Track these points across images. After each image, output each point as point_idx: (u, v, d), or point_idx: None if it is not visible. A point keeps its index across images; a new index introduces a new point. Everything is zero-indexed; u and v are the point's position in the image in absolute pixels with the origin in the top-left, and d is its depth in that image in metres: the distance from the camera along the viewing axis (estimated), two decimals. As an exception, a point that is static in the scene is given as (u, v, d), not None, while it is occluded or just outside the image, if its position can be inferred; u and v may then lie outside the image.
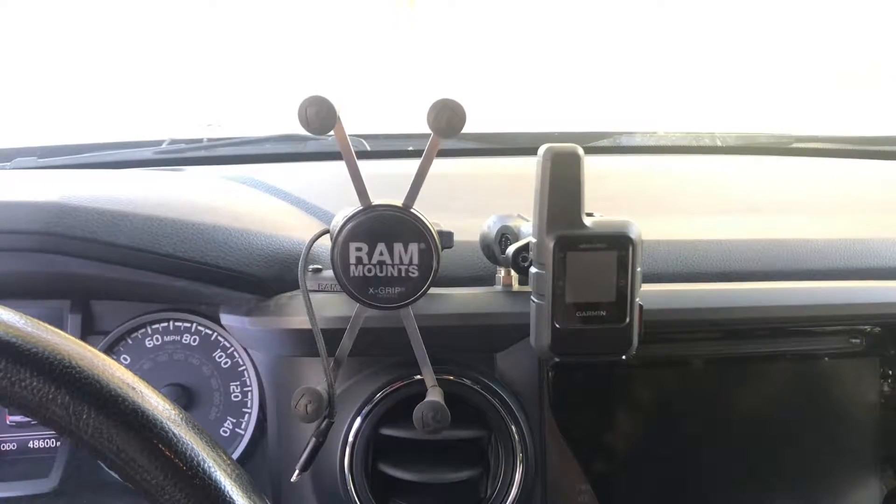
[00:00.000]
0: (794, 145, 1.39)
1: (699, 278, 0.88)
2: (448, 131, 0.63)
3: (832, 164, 1.35)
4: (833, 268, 0.90)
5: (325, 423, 0.70)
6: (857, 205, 1.11)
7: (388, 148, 1.27)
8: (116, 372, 0.48)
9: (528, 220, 0.79)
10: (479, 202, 1.00)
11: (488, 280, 0.85)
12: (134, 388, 0.48)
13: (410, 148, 1.26)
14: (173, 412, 0.49)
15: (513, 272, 0.82)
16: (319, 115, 0.62)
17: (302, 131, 1.31)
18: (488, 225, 0.81)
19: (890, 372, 0.84)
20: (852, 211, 1.08)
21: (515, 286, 0.82)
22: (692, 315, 0.82)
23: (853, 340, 0.84)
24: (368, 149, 1.27)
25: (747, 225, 0.98)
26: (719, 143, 1.37)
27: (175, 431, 0.48)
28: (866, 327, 0.84)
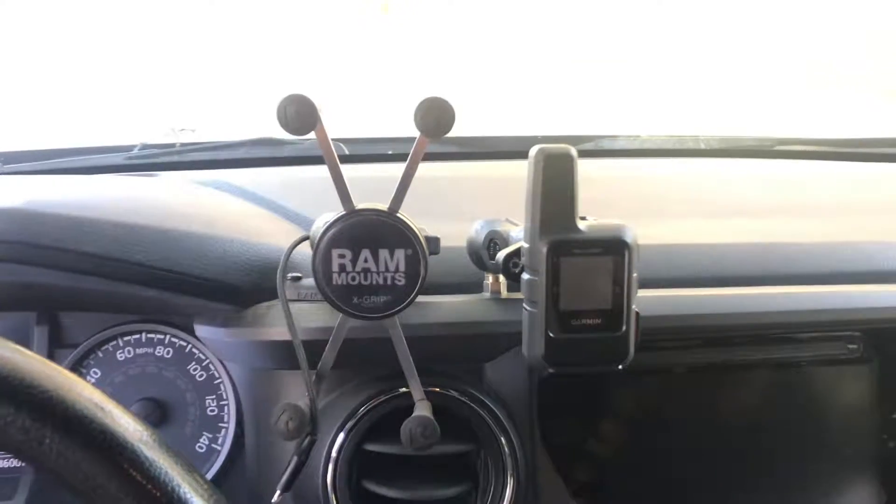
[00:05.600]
0: (777, 148, 1.38)
1: (691, 283, 0.85)
2: (437, 132, 0.60)
3: (815, 167, 1.34)
4: (827, 272, 0.88)
5: (307, 440, 0.67)
6: (841, 207, 1.10)
7: (366, 152, 1.24)
8: (83, 391, 0.45)
9: (517, 225, 0.77)
10: (462, 207, 0.98)
11: (475, 287, 0.82)
12: (102, 408, 0.45)
13: (390, 152, 1.23)
14: (145, 433, 0.46)
15: (501, 278, 0.79)
16: (300, 114, 0.59)
17: (278, 135, 1.28)
18: (476, 230, 0.79)
19: (889, 377, 0.82)
20: (838, 214, 1.07)
21: (504, 293, 0.79)
22: (687, 322, 0.79)
23: (851, 346, 0.82)
24: (347, 152, 1.23)
25: (735, 228, 0.96)
26: (703, 146, 1.35)
27: (147, 455, 0.45)
28: (864, 332, 0.82)
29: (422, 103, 0.60)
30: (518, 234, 0.73)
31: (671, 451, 0.81)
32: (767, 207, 1.08)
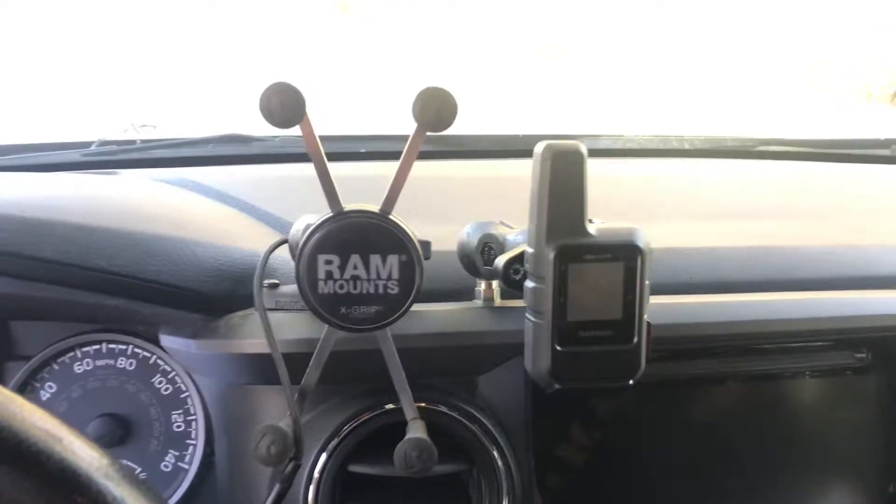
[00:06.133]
0: (760, 148, 1.36)
1: (689, 290, 0.81)
2: (438, 124, 0.55)
3: (798, 168, 1.31)
4: (829, 277, 0.85)
5: (290, 466, 0.61)
6: (827, 209, 1.08)
7: (340, 150, 1.18)
8: (37, 420, 0.38)
9: (513, 228, 0.72)
10: (449, 208, 0.92)
11: (465, 294, 0.77)
12: (60, 440, 0.38)
13: (363, 150, 1.18)
14: (111, 468, 0.40)
15: (495, 285, 0.74)
16: (286, 105, 0.53)
17: (245, 131, 1.22)
18: (467, 233, 0.73)
19: None
20: (824, 215, 1.05)
21: (497, 300, 0.74)
22: (692, 331, 0.75)
23: (858, 355, 0.79)
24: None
25: (729, 231, 0.93)
26: (687, 146, 1.32)
27: (115, 493, 0.39)
28: (872, 340, 0.79)
29: (421, 93, 0.55)
30: (515, 237, 0.68)
31: (675, 468, 0.77)
32: (758, 209, 1.05)
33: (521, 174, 1.02)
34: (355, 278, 0.59)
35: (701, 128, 1.42)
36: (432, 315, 0.72)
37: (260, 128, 1.22)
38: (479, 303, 0.74)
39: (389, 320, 0.60)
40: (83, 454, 0.39)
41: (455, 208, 0.91)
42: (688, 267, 0.83)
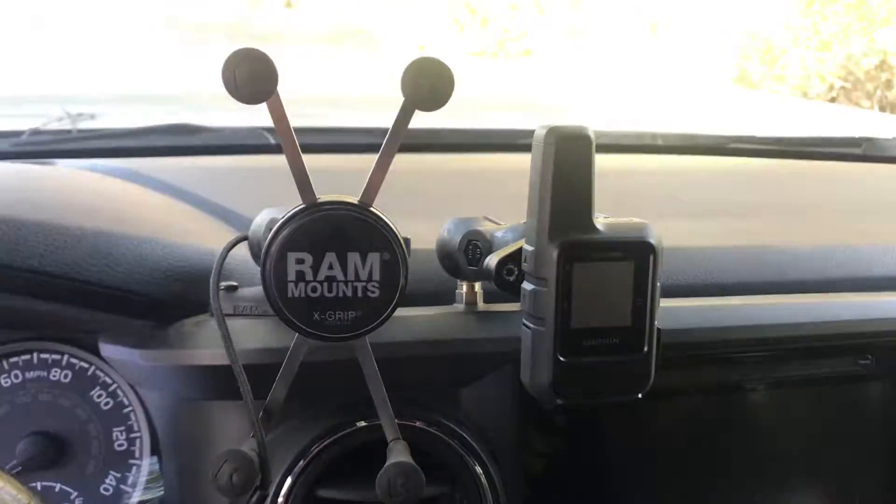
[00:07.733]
0: (732, 145, 1.33)
1: (681, 292, 0.76)
2: (430, 102, 0.49)
3: (766, 165, 1.30)
4: (825, 278, 0.81)
5: (255, 496, 0.53)
6: (805, 207, 1.05)
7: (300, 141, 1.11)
8: None
9: (500, 224, 0.65)
10: (420, 203, 0.86)
11: (443, 297, 0.70)
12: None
13: (329, 142, 1.11)
14: None
15: (478, 287, 0.68)
16: (255, 76, 0.46)
17: (192, 121, 1.14)
18: (448, 230, 0.66)
19: None
20: (806, 213, 1.02)
21: (480, 304, 0.68)
22: (687, 337, 0.70)
23: (863, 362, 0.74)
24: (272, 142, 1.10)
25: (714, 230, 0.88)
26: (660, 143, 1.28)
27: None
28: (877, 346, 0.75)
29: (412, 64, 0.48)
30: (505, 234, 0.62)
31: (672, 483, 0.72)
32: (739, 207, 1.02)
33: (499, 168, 0.95)
34: (330, 280, 0.52)
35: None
36: (410, 321, 0.66)
37: (207, 118, 1.15)
38: (460, 307, 0.68)
39: (369, 327, 0.54)
40: (8, 499, 0.32)
41: (430, 203, 0.84)
42: (679, 268, 0.78)
